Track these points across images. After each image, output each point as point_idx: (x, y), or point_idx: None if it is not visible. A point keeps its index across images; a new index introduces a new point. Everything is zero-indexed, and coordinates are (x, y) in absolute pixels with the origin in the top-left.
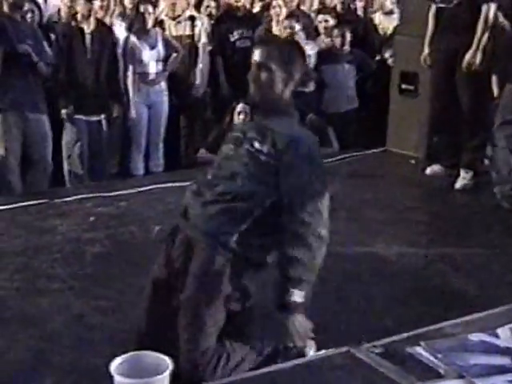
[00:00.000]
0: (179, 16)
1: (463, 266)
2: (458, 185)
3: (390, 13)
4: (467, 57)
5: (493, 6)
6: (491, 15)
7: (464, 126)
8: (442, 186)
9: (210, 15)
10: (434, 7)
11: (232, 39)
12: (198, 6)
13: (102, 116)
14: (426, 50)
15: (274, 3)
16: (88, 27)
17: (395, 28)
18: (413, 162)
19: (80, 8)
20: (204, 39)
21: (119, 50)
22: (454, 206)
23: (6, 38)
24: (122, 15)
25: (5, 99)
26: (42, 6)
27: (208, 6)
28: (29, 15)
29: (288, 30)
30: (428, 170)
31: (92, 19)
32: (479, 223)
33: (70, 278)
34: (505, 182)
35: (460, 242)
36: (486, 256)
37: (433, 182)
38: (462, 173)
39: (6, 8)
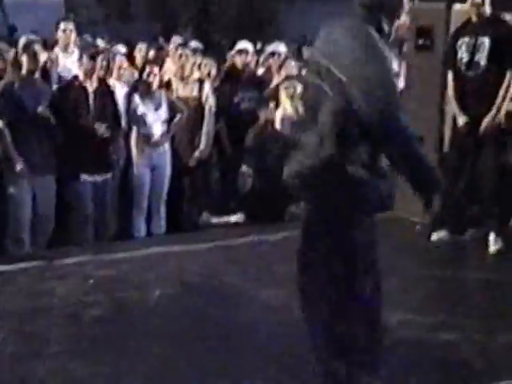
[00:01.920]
0: (187, 77)
1: (470, 336)
2: (492, 249)
3: None
4: (486, 120)
5: None
6: None
7: (487, 193)
8: (448, 252)
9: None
10: (451, 73)
11: (236, 100)
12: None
13: (107, 176)
14: (463, 118)
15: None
16: (91, 86)
17: None
18: (419, 227)
19: (83, 67)
20: (211, 102)
21: (122, 111)
22: (461, 273)
23: (23, 100)
24: (127, 76)
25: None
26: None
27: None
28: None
29: None
30: (434, 236)
31: (95, 78)
32: (486, 291)
33: (68, 342)
34: None
35: (467, 309)
36: (494, 325)
37: (439, 248)
38: (492, 237)
39: (23, 71)
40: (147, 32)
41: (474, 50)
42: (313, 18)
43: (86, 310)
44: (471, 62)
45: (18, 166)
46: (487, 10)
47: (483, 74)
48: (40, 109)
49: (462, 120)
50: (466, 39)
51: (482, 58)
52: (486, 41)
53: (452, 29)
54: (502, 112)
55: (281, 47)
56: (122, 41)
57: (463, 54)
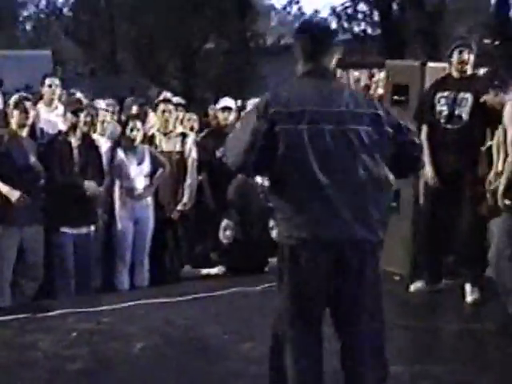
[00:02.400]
0: (170, 132)
1: None
2: (469, 299)
3: None
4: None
5: None
6: None
7: (462, 244)
8: (425, 302)
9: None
10: (425, 127)
11: (219, 155)
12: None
13: (90, 228)
14: (431, 172)
15: None
16: (75, 141)
17: None
18: (397, 278)
19: (67, 122)
20: (194, 156)
21: (105, 165)
22: (439, 323)
23: (11, 154)
24: (110, 130)
25: (7, 214)
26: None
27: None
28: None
29: None
30: (412, 287)
31: (79, 133)
32: (465, 340)
33: None
34: None
35: (445, 359)
36: (472, 374)
37: (416, 299)
38: (469, 287)
39: (14, 125)
40: (133, 86)
41: (454, 104)
42: (292, 72)
43: (69, 364)
44: (451, 116)
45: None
46: (470, 68)
47: (465, 128)
48: (33, 160)
49: (431, 176)
50: (446, 93)
51: (463, 112)
52: (468, 96)
53: (427, 85)
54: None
55: None
56: (107, 94)
57: (443, 107)
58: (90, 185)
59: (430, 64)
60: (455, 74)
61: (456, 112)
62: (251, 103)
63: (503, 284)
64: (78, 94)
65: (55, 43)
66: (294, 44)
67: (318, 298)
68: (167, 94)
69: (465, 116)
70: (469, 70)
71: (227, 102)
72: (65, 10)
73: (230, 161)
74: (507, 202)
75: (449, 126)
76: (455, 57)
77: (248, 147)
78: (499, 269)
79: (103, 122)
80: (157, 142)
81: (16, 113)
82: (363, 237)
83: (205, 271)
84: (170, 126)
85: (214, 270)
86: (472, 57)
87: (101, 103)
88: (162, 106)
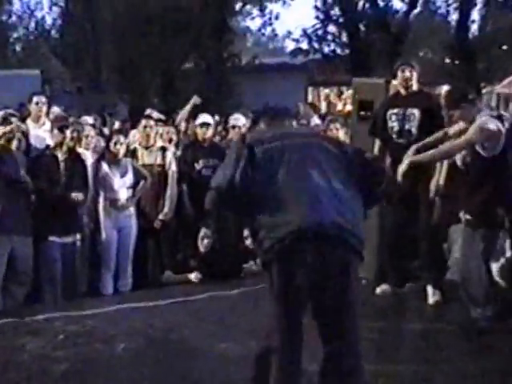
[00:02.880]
0: (151, 146)
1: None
2: (431, 301)
3: None
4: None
5: None
6: None
7: (423, 249)
8: (390, 304)
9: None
10: (378, 142)
11: (198, 168)
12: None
13: (76, 237)
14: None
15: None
16: (62, 155)
17: None
18: (364, 282)
19: (54, 138)
20: (173, 168)
21: (90, 178)
22: (403, 324)
23: (5, 168)
24: (95, 145)
25: None
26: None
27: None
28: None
29: None
30: (378, 290)
31: (65, 148)
32: (427, 339)
33: None
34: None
35: (408, 358)
36: (433, 372)
37: (382, 301)
38: (430, 290)
39: (1, 141)
40: (117, 103)
41: (403, 119)
42: (268, 89)
43: (56, 365)
44: (402, 131)
45: None
46: (414, 85)
47: (415, 142)
48: (22, 172)
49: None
50: (396, 110)
51: (413, 127)
52: (415, 112)
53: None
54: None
55: (241, 120)
56: (92, 111)
57: (394, 123)
58: (76, 195)
59: (394, 81)
60: (402, 91)
61: (406, 127)
62: (233, 118)
63: (467, 290)
64: (55, 109)
65: (44, 63)
66: None
67: (302, 293)
68: (148, 111)
69: (414, 130)
70: (414, 87)
71: (205, 118)
72: (53, 32)
73: (213, 185)
74: (467, 216)
75: (400, 141)
76: (399, 75)
77: (231, 169)
78: (465, 277)
79: (88, 137)
80: (139, 155)
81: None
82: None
83: (182, 277)
84: (150, 140)
85: (191, 276)
86: (415, 74)
87: (87, 119)
88: (143, 122)
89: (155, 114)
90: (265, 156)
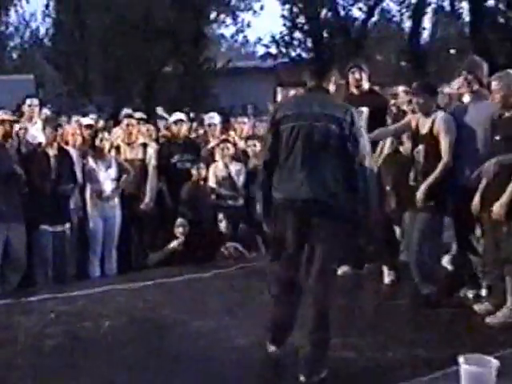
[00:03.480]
0: (133, 142)
1: (365, 353)
2: (387, 280)
3: None
4: None
5: None
6: None
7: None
8: (350, 283)
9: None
10: None
11: (173, 161)
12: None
13: (65, 226)
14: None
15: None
16: (52, 151)
17: None
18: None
19: (46, 136)
20: (154, 162)
21: (78, 172)
22: (361, 301)
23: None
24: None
25: None
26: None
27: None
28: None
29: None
30: (339, 271)
31: (55, 145)
32: (383, 315)
33: (29, 369)
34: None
35: (367, 331)
36: (388, 345)
37: (342, 281)
38: (386, 271)
39: None
40: (103, 103)
41: None
42: (240, 91)
43: (47, 341)
44: None
45: None
46: (365, 84)
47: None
48: (15, 167)
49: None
50: None
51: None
52: (364, 109)
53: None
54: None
55: (216, 118)
56: (80, 112)
57: None
58: (65, 187)
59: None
60: (354, 90)
61: None
62: (207, 117)
63: (419, 270)
64: (45, 110)
65: (37, 69)
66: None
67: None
68: (128, 111)
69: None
70: (365, 86)
71: (178, 115)
72: (45, 41)
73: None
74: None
75: None
76: (350, 77)
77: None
78: (417, 258)
79: (73, 134)
80: (121, 150)
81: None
82: (317, 198)
83: (163, 253)
84: (132, 137)
85: (174, 243)
86: (364, 74)
87: (78, 119)
88: (125, 121)
89: (138, 114)
90: (281, 134)
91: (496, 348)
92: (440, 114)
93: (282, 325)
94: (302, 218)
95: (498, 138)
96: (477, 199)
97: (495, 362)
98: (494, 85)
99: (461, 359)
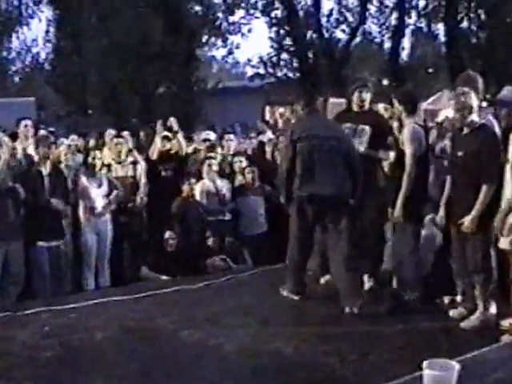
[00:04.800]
0: (123, 161)
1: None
2: (366, 286)
3: None
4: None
5: None
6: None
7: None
8: (331, 290)
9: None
10: None
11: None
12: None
13: (60, 241)
14: None
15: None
16: (46, 169)
17: None
18: (310, 273)
19: (39, 153)
20: (144, 180)
21: (71, 190)
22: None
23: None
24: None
25: None
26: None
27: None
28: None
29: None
30: (322, 280)
31: (49, 163)
32: (365, 319)
33: (26, 380)
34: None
35: (349, 336)
36: (367, 345)
37: (325, 288)
38: (366, 278)
39: None
40: (101, 124)
41: (354, 134)
42: (230, 110)
43: (42, 352)
44: None
45: None
46: (367, 104)
47: (362, 155)
48: (14, 184)
49: None
50: (348, 125)
51: (362, 142)
52: (367, 128)
53: (328, 115)
54: None
55: (211, 135)
56: (78, 132)
57: None
58: (56, 202)
59: (331, 99)
60: (355, 108)
61: (356, 141)
62: (206, 133)
63: (400, 277)
64: (43, 132)
65: (38, 91)
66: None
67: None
68: (112, 131)
69: (363, 146)
70: (366, 106)
71: (165, 133)
72: (46, 65)
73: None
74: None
75: None
76: (356, 95)
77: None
78: (398, 266)
79: (66, 154)
80: (112, 168)
81: None
82: (333, 193)
83: (156, 275)
84: (122, 155)
85: (162, 278)
86: (369, 95)
87: (73, 138)
88: (115, 140)
89: (125, 133)
90: (299, 150)
91: (469, 351)
92: (408, 126)
93: (301, 268)
94: (323, 206)
95: (460, 153)
96: (442, 212)
97: (457, 366)
98: (452, 100)
99: (424, 364)
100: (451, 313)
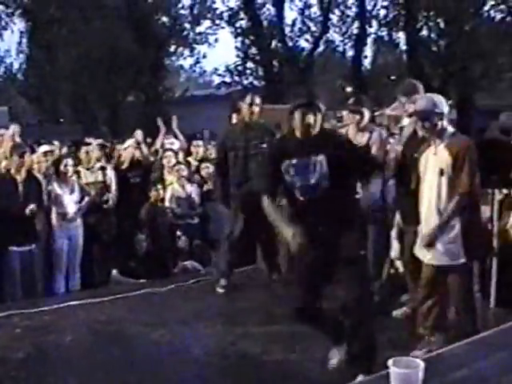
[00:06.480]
0: (92, 167)
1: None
2: None
3: None
4: None
5: None
6: None
7: None
8: None
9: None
10: None
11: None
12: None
13: (32, 246)
14: None
15: (166, 154)
16: (20, 177)
17: None
18: (274, 277)
19: (14, 162)
20: (114, 181)
21: (44, 195)
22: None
23: None
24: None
25: None
26: None
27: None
28: None
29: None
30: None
31: (23, 171)
32: None
33: None
34: None
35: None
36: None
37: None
38: None
39: None
40: (71, 132)
41: (306, 172)
42: (197, 117)
43: (13, 354)
44: None
45: None
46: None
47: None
48: None
49: None
50: (294, 161)
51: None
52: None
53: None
54: None
55: (175, 144)
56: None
57: None
58: (29, 206)
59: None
60: (299, 134)
61: (312, 181)
62: (169, 142)
63: None
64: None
65: (11, 101)
66: None
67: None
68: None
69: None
70: (315, 129)
71: (129, 142)
72: (18, 75)
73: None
74: None
75: None
76: (297, 117)
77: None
78: None
79: (39, 162)
80: (82, 175)
81: None
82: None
83: (125, 279)
84: (91, 162)
85: (132, 281)
86: (319, 117)
87: (44, 147)
88: (84, 148)
89: (98, 141)
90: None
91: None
92: (376, 131)
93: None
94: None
95: None
96: (396, 245)
97: (422, 364)
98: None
99: (390, 362)
100: (394, 313)
